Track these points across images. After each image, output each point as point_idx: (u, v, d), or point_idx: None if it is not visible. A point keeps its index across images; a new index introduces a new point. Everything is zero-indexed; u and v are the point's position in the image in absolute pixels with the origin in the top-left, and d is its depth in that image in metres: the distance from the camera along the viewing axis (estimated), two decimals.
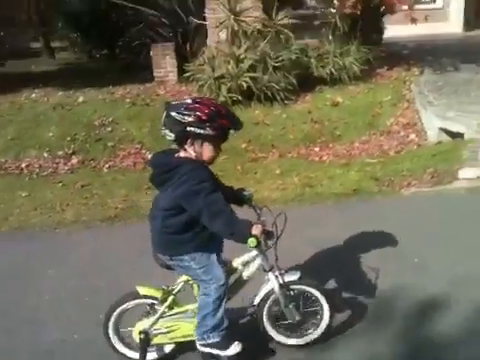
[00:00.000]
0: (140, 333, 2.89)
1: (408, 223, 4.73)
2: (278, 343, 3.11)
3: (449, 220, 4.82)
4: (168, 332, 2.91)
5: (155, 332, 2.91)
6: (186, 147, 2.66)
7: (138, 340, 2.91)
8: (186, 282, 2.89)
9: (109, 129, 7.95)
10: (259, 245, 2.62)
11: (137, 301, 2.94)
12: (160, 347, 3.02)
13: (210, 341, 2.79)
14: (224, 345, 2.81)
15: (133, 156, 7.43)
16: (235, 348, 2.81)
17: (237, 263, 2.93)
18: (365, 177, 5.96)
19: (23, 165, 7.12)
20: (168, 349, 3.04)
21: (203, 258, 2.72)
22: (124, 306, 2.94)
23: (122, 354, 3.02)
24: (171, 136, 2.64)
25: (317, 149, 7.49)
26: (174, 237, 2.70)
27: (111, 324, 2.97)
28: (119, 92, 9.25)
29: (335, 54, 9.20)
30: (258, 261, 2.86)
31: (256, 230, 2.57)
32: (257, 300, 2.97)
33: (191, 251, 2.71)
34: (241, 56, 8.47)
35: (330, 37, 9.57)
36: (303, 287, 2.98)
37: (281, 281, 2.86)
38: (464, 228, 4.61)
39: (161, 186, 2.74)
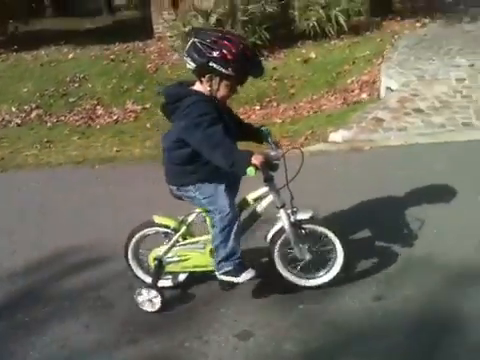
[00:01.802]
0: (154, 259, 2.97)
1: None
2: (287, 280, 2.99)
3: None
4: (180, 261, 2.97)
5: (168, 260, 2.97)
6: (203, 80, 2.62)
7: (152, 266, 3.00)
8: (199, 213, 2.92)
9: (77, 85, 8.34)
10: (269, 179, 2.66)
11: (153, 229, 3.02)
12: (175, 275, 3.11)
13: (224, 270, 2.83)
14: (236, 273, 2.82)
15: (85, 112, 7.76)
16: (246, 275, 2.82)
17: (250, 198, 2.90)
18: None
19: None
20: (182, 278, 3.11)
21: (208, 188, 2.74)
22: (142, 233, 3.04)
23: (139, 278, 3.12)
24: (191, 65, 2.59)
25: (257, 108, 7.17)
26: (180, 168, 2.75)
27: (130, 249, 3.07)
28: (115, 49, 9.57)
29: (322, 5, 8.54)
30: (270, 197, 2.80)
31: (256, 160, 2.50)
32: (269, 237, 2.90)
33: (195, 182, 2.75)
34: (209, 10, 8.25)
35: None
36: (315, 227, 2.85)
37: (292, 219, 2.78)
38: None
39: (170, 117, 2.76)
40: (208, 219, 2.87)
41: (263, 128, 2.96)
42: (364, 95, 6.84)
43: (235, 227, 2.74)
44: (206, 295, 3.03)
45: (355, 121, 5.29)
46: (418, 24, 8.81)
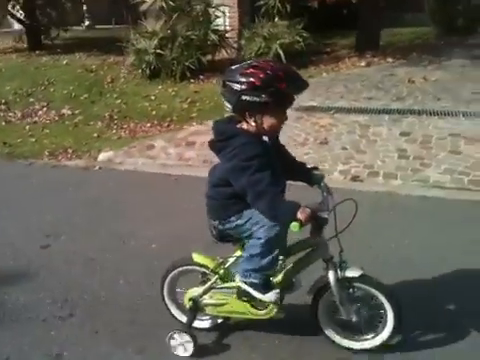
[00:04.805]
0: (190, 300, 2.85)
1: None
2: (331, 341, 2.80)
3: None
4: (217, 305, 2.81)
5: (204, 302, 2.83)
6: (246, 118, 2.41)
7: (188, 306, 2.88)
8: (240, 257, 2.72)
9: (43, 88, 9.52)
10: (316, 231, 2.51)
11: (191, 267, 2.89)
12: (213, 317, 2.95)
13: (250, 280, 2.65)
14: (263, 288, 2.64)
15: (32, 111, 8.78)
16: (273, 296, 2.63)
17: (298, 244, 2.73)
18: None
19: None
20: (220, 320, 2.97)
21: (249, 212, 2.55)
22: (179, 269, 2.92)
23: (174, 316, 3.01)
24: (229, 107, 2.41)
25: (148, 125, 7.57)
26: (221, 202, 2.61)
27: (166, 285, 2.96)
28: (110, 60, 10.55)
29: (265, 37, 8.68)
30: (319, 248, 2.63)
31: (302, 214, 2.29)
32: (313, 290, 2.72)
33: (236, 212, 2.60)
34: (155, 32, 8.87)
35: (276, 19, 9.01)
36: (364, 286, 2.63)
37: (339, 275, 2.59)
38: None
39: (218, 154, 2.57)
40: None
41: (315, 172, 2.73)
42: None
43: (281, 245, 2.56)
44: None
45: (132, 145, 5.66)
46: (363, 63, 8.43)
